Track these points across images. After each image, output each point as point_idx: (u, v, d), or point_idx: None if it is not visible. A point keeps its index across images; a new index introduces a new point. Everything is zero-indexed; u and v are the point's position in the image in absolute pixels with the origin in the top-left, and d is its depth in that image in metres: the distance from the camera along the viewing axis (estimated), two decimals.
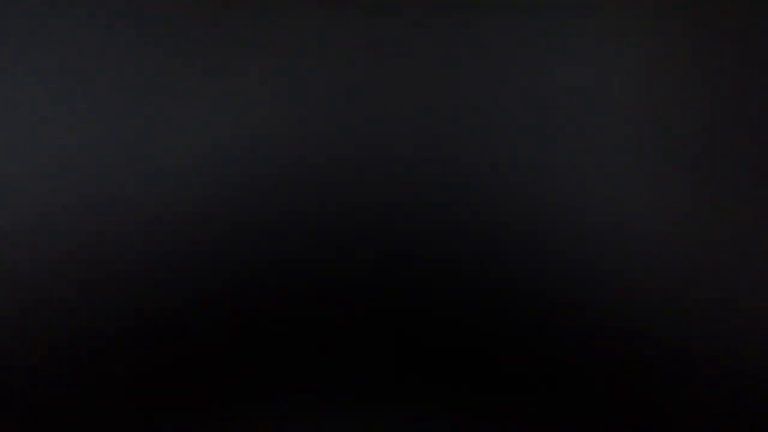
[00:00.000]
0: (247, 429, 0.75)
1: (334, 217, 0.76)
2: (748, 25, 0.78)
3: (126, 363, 0.74)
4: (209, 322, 0.75)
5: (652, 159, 0.76)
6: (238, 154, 0.76)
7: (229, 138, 0.76)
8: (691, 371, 0.76)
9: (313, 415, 0.75)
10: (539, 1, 0.77)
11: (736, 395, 0.76)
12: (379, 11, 0.78)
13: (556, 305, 0.75)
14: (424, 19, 0.78)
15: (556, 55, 0.76)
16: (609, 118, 0.77)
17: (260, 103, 0.76)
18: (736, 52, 0.77)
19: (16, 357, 0.73)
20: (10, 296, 0.73)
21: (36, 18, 0.74)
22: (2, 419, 0.73)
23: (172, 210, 0.75)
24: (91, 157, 0.74)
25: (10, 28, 0.74)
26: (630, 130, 0.77)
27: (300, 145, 0.77)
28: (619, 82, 0.77)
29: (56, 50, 0.74)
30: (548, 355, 0.75)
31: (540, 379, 0.76)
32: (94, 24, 0.75)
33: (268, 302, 0.76)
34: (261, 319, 0.76)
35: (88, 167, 0.74)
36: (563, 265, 0.76)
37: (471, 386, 0.75)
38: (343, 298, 0.76)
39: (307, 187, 0.76)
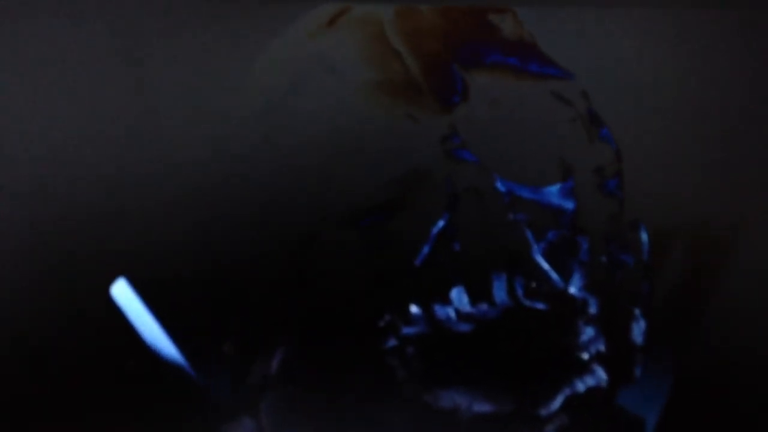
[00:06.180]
0: None
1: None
2: None
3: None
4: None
5: None
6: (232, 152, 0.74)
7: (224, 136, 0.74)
8: None
9: None
10: None
11: None
12: None
13: None
14: None
15: None
16: None
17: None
18: None
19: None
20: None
21: (36, 16, 0.74)
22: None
23: (170, 201, 0.74)
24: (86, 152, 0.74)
25: (10, 26, 0.73)
26: None
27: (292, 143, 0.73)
28: None
29: (55, 48, 0.73)
30: None
31: None
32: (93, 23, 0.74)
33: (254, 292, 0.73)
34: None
35: (83, 162, 0.74)
36: None
37: None
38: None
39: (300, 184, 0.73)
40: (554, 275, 0.71)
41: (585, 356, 0.71)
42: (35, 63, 0.75)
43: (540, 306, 0.70)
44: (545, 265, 0.71)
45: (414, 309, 0.69)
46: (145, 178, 0.76)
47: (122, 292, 0.73)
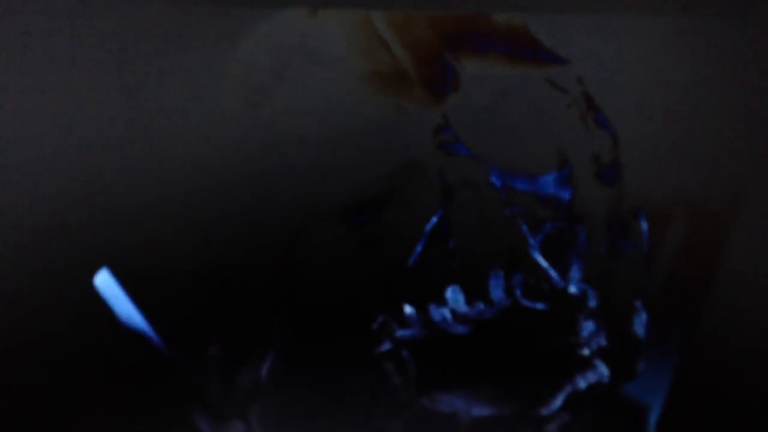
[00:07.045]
0: None
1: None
2: None
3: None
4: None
5: None
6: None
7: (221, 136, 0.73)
8: None
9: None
10: None
11: None
12: None
13: None
14: None
15: None
16: None
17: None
18: None
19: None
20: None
21: (35, 16, 0.72)
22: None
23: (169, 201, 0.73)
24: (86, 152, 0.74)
25: (10, 26, 0.72)
26: None
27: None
28: None
29: (55, 48, 0.72)
30: None
31: None
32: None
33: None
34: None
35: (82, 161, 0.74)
36: None
37: None
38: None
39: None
40: (553, 272, 0.68)
41: (586, 352, 0.69)
42: (30, 64, 0.73)
43: (539, 305, 0.68)
44: (543, 262, 0.68)
45: (408, 310, 0.67)
46: (133, 175, 0.75)
47: (104, 282, 0.72)
